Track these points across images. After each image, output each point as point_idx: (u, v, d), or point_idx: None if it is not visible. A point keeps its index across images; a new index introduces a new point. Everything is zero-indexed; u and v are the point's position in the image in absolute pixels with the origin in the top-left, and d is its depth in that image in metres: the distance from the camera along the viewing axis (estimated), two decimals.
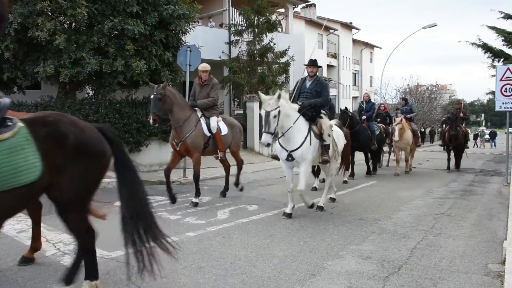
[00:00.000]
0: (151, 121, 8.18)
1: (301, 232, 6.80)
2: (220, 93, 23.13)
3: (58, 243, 5.90)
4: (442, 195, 10.63)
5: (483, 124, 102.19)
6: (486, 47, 25.05)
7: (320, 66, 8.72)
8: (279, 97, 7.17)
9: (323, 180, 11.43)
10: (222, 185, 10.14)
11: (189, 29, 14.81)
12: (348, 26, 48.93)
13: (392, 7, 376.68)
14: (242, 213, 8.13)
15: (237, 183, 10.22)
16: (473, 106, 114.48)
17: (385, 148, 18.19)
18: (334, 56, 46.18)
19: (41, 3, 11.56)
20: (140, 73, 12.76)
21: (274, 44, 23.08)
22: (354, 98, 50.03)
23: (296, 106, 7.77)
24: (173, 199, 8.58)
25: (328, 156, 8.01)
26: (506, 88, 13.22)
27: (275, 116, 7.09)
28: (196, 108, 8.97)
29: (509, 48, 25.07)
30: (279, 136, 7.49)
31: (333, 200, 9.45)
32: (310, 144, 7.62)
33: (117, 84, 13.49)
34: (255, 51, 22.98)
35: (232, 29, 23.85)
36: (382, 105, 18.38)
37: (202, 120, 8.88)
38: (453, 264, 5.38)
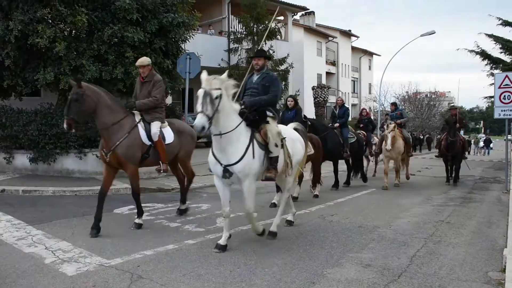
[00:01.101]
0: (65, 125, 6.66)
1: (300, 239, 6.78)
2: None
3: (57, 250, 5.89)
4: (442, 203, 10.62)
5: (482, 131, 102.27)
6: (484, 55, 25.16)
7: (270, 57, 7.46)
8: (221, 79, 5.73)
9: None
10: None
11: (188, 37, 14.86)
12: (347, 34, 49.09)
13: (391, 15, 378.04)
14: (241, 220, 8.07)
15: (183, 200, 8.67)
16: (472, 113, 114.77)
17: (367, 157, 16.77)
18: (333, 63, 46.32)
19: (41, 10, 11.60)
20: None
21: (274, 52, 23.13)
22: (353, 105, 50.10)
23: (237, 107, 6.07)
24: (96, 227, 6.81)
25: (274, 173, 6.28)
26: (505, 96, 13.25)
27: (216, 98, 5.49)
28: (136, 111, 7.47)
29: (507, 55, 25.17)
30: (215, 133, 5.79)
31: (290, 223, 7.73)
32: (254, 156, 5.95)
33: (117, 92, 13.48)
34: None
35: (232, 36, 23.92)
36: (364, 110, 17.46)
37: (141, 126, 7.33)
38: (453, 272, 5.37)
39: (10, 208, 8.42)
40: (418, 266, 5.56)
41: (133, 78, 12.56)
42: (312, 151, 9.88)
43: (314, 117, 27.73)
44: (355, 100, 51.80)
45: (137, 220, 7.37)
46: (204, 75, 5.73)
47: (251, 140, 6.05)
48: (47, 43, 11.60)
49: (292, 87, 26.33)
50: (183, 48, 15.00)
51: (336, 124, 12.89)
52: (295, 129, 7.64)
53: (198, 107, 5.46)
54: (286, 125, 9.03)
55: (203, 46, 19.50)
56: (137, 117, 7.42)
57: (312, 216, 8.69)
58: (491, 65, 25.41)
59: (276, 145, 6.27)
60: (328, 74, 44.58)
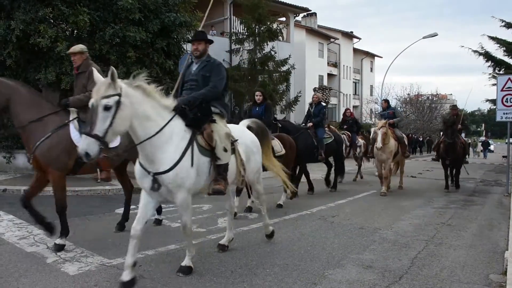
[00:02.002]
0: None
1: (301, 241, 6.78)
2: None
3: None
4: (443, 205, 10.61)
5: (483, 134, 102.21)
6: (487, 56, 25.17)
7: (211, 41, 5.85)
8: (113, 78, 4.23)
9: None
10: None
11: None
12: (349, 35, 49.11)
13: (393, 17, 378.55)
14: (243, 221, 8.12)
15: (124, 220, 7.15)
16: (473, 116, 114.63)
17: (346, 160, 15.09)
18: (335, 65, 46.33)
19: (43, 10, 11.62)
20: None
21: (275, 53, 23.15)
22: (355, 107, 50.12)
23: (169, 103, 4.89)
24: (49, 229, 6.13)
25: (224, 184, 5.16)
26: (507, 98, 13.25)
27: (107, 109, 4.15)
28: (72, 109, 6.16)
29: (510, 58, 25.17)
30: (136, 143, 4.63)
31: (270, 236, 6.72)
32: (192, 164, 4.79)
33: None
34: (256, 60, 23.05)
35: (233, 37, 23.94)
36: (348, 111, 16.59)
37: (73, 125, 6.01)
38: (454, 274, 5.36)
39: (12, 208, 8.43)
40: (419, 268, 5.56)
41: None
42: (283, 151, 9.26)
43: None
44: (357, 102, 51.80)
45: (57, 241, 5.95)
46: (96, 76, 4.57)
47: (189, 144, 4.84)
48: (49, 43, 11.63)
49: (294, 89, 26.35)
50: (185, 48, 15.02)
51: (309, 124, 11.79)
52: (249, 127, 6.36)
53: (86, 126, 4.46)
54: None
55: None
56: (72, 115, 6.11)
57: (313, 217, 8.68)
58: (494, 66, 25.41)
59: (226, 150, 5.15)
60: (330, 75, 44.59)
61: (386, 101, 14.47)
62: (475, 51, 25.45)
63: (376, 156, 12.68)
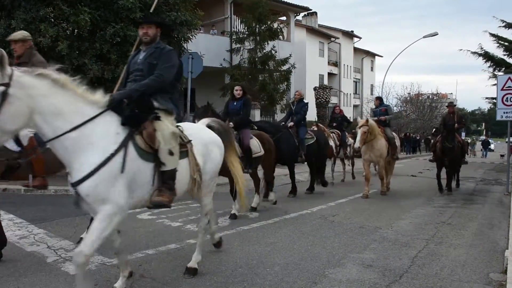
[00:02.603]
0: None
1: (302, 240, 6.78)
2: (221, 100, 23.36)
3: (59, 249, 5.90)
4: (443, 204, 10.61)
5: (484, 133, 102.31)
6: (487, 56, 25.15)
7: (165, 25, 5.37)
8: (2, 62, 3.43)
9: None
10: (223, 193, 10.00)
11: (191, 36, 14.87)
12: (349, 35, 49.09)
13: (394, 16, 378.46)
14: (243, 220, 8.12)
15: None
16: (474, 115, 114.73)
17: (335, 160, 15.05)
18: (335, 64, 46.32)
19: (44, 9, 11.63)
20: None
21: (276, 52, 23.15)
22: (355, 106, 50.12)
23: (98, 98, 4.06)
24: None
25: (168, 196, 4.26)
26: (507, 98, 13.25)
27: None
28: None
29: (510, 57, 25.15)
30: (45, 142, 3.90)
31: (217, 246, 6.04)
32: (123, 170, 3.86)
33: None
34: (256, 59, 23.05)
35: (234, 36, 23.94)
36: (337, 108, 15.88)
37: None
38: (454, 273, 5.37)
39: (12, 207, 8.43)
40: (420, 267, 5.56)
41: None
42: (262, 152, 8.77)
43: (316, 119, 27.77)
44: (357, 101, 51.81)
45: None
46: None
47: (122, 146, 3.93)
48: (50, 42, 11.63)
49: (294, 88, 26.29)
50: (186, 47, 15.02)
51: (290, 123, 11.05)
52: (210, 126, 5.48)
53: None
54: (231, 119, 8.41)
55: (205, 46, 19.54)
56: None
57: (314, 216, 8.69)
58: (494, 67, 25.40)
59: (172, 153, 4.26)
60: (330, 74, 44.59)
61: (378, 98, 13.81)
62: (474, 53, 25.44)
63: (363, 155, 11.87)
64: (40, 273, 4.97)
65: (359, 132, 11.18)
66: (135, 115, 4.17)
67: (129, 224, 7.42)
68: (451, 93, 75.15)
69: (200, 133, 5.09)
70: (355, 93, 52.62)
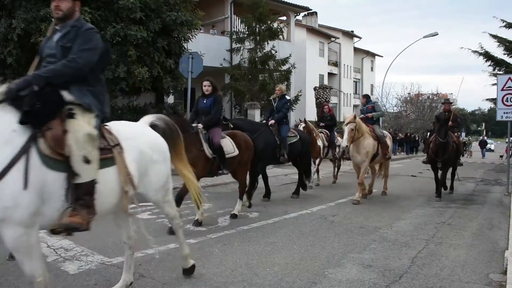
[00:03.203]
0: None
1: (302, 240, 6.78)
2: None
3: (59, 249, 5.89)
4: (443, 204, 10.61)
5: (484, 133, 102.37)
6: (487, 56, 25.15)
7: None
8: None
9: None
10: (223, 192, 9.99)
11: (191, 36, 14.88)
12: (350, 35, 49.10)
13: (394, 16, 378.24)
14: (243, 220, 8.12)
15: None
16: (474, 115, 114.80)
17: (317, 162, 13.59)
18: (335, 64, 46.31)
19: (44, 9, 11.63)
20: (142, 80, 12.83)
21: (276, 52, 23.14)
22: (355, 106, 50.11)
23: None
24: None
25: (82, 216, 3.35)
26: (507, 98, 13.24)
27: None
28: None
29: (510, 57, 25.17)
30: None
31: (187, 272, 4.98)
32: (26, 185, 3.06)
33: (119, 91, 13.53)
34: (256, 59, 23.04)
35: (234, 36, 23.94)
36: (326, 106, 14.91)
37: None
38: (454, 273, 5.37)
39: None
40: (419, 267, 5.57)
41: (136, 77, 12.60)
42: (236, 152, 7.98)
43: (315, 119, 27.72)
44: (357, 101, 51.76)
45: None
46: None
47: (22, 152, 3.10)
48: None
49: (294, 88, 26.35)
50: (186, 47, 15.03)
51: (271, 121, 10.34)
52: (153, 125, 4.52)
53: None
54: (201, 118, 7.81)
55: (206, 45, 19.54)
56: None
57: (314, 216, 8.69)
58: (494, 66, 25.42)
59: (88, 161, 3.34)
60: (330, 74, 44.59)
61: (365, 96, 12.73)
62: (474, 51, 25.45)
63: (351, 158, 11.12)
64: None
65: (346, 130, 10.25)
66: (36, 111, 3.21)
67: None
68: (451, 93, 75.22)
69: (137, 134, 4.18)
70: (355, 93, 52.60)
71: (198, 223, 7.59)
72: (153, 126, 4.52)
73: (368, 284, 4.87)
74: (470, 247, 6.69)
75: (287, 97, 10.91)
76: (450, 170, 12.47)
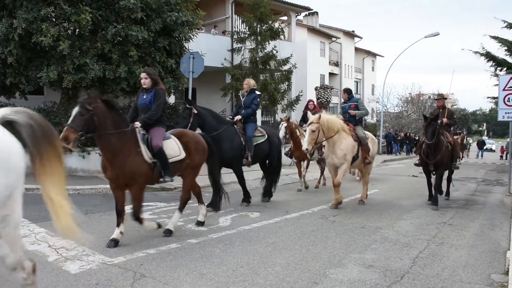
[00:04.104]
0: None
1: (303, 240, 6.78)
2: (222, 100, 23.37)
3: (60, 248, 5.89)
4: (444, 204, 10.58)
5: (485, 133, 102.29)
6: (489, 56, 25.13)
7: None
8: None
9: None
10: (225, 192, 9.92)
11: (192, 36, 14.87)
12: (351, 35, 49.06)
13: (395, 16, 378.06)
14: (244, 220, 8.12)
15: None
16: (475, 116, 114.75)
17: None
18: (336, 64, 46.27)
19: (45, 9, 11.64)
20: None
21: (277, 52, 23.14)
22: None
23: None
24: None
25: None
26: (509, 98, 13.21)
27: None
28: None
29: (511, 57, 25.15)
30: None
31: None
32: None
33: (120, 91, 13.54)
34: (257, 59, 23.02)
35: (235, 36, 23.93)
36: (311, 102, 13.40)
37: None
38: (455, 274, 5.36)
39: None
40: (421, 267, 5.56)
41: (137, 77, 12.60)
42: (182, 155, 6.80)
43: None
44: None
45: None
46: None
47: None
48: (51, 41, 11.64)
49: (295, 87, 26.32)
50: (187, 47, 15.02)
51: (237, 117, 9.46)
52: (9, 122, 3.11)
53: None
54: (139, 116, 6.70)
55: (207, 45, 19.53)
56: None
57: (315, 216, 8.68)
58: (496, 67, 25.40)
59: None
60: (331, 74, 44.56)
61: (347, 91, 10.97)
62: (476, 52, 25.43)
63: (326, 159, 10.03)
64: (41, 272, 4.95)
65: (307, 132, 9.27)
66: None
67: (129, 223, 7.42)
68: (452, 93, 75.21)
69: None
70: (356, 93, 52.55)
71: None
72: (6, 123, 3.09)
73: (369, 284, 4.87)
74: (472, 247, 6.68)
75: (257, 92, 9.88)
76: (446, 173, 11.30)
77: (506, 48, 24.65)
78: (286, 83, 24.22)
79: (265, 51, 23.16)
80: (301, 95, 25.41)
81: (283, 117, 15.03)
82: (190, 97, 13.88)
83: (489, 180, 17.76)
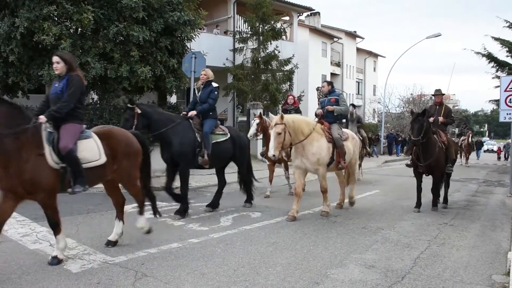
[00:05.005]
0: None
1: (304, 240, 6.78)
2: (224, 100, 23.34)
3: None
4: (448, 203, 10.56)
5: (487, 134, 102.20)
6: (490, 57, 25.13)
7: None
8: None
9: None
10: (225, 192, 9.93)
11: (194, 36, 14.88)
12: (352, 35, 49.08)
13: (396, 16, 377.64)
14: (245, 220, 8.12)
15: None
16: (477, 116, 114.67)
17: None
18: (338, 64, 46.27)
19: (47, 8, 11.65)
20: (145, 79, 12.84)
21: (279, 52, 23.16)
22: (358, 106, 50.04)
23: None
24: None
25: None
26: (510, 99, 13.19)
27: None
28: None
29: None
30: None
31: None
32: None
33: (122, 90, 13.55)
34: (259, 59, 23.06)
35: (237, 36, 23.96)
36: (291, 97, 12.25)
37: None
38: (456, 274, 5.36)
39: None
40: (422, 268, 5.56)
41: (139, 76, 12.63)
42: (102, 160, 5.53)
43: (315, 118, 27.52)
44: (360, 102, 51.75)
45: None
46: None
47: None
48: (53, 40, 11.66)
49: (297, 88, 26.36)
50: (189, 47, 15.03)
51: (191, 113, 8.42)
52: None
53: None
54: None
55: (209, 45, 19.54)
56: None
57: (316, 216, 8.68)
58: (497, 68, 25.39)
59: None
60: (333, 75, 44.55)
61: (330, 83, 9.84)
62: (477, 53, 25.43)
63: (293, 163, 8.81)
64: (43, 271, 4.97)
65: (272, 135, 8.00)
66: None
67: (130, 223, 7.43)
68: (454, 94, 75.17)
69: None
70: (358, 93, 52.54)
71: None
72: None
73: (370, 285, 4.87)
74: (473, 248, 6.68)
75: (214, 85, 8.69)
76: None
77: (507, 49, 24.64)
78: (288, 83, 24.25)
79: (267, 51, 23.20)
80: (303, 96, 25.44)
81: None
82: (191, 97, 13.87)
83: (490, 181, 17.74)
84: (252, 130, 10.55)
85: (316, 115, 9.46)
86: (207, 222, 7.81)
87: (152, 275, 4.93)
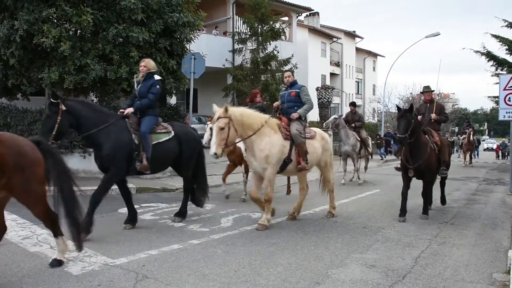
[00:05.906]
0: None
1: (305, 240, 6.78)
2: (223, 100, 23.34)
3: None
4: (446, 204, 10.57)
5: (486, 133, 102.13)
6: (490, 55, 25.10)
7: None
8: None
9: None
10: (223, 193, 9.92)
11: (193, 37, 14.88)
12: (352, 35, 49.12)
13: (396, 16, 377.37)
14: (246, 220, 8.11)
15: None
16: (476, 115, 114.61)
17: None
18: (337, 64, 46.31)
19: (46, 10, 11.66)
20: None
21: (278, 52, 23.19)
22: (357, 106, 50.05)
23: None
24: None
25: None
26: (510, 98, 13.19)
27: None
28: None
29: None
30: None
31: None
32: None
33: (121, 91, 13.55)
34: (258, 59, 23.09)
35: (236, 37, 23.98)
36: (256, 92, 11.31)
37: None
38: (457, 273, 5.36)
39: (15, 207, 8.41)
40: (423, 267, 5.56)
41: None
42: None
43: (318, 119, 27.51)
44: (359, 102, 51.78)
45: None
46: None
47: None
48: (53, 42, 11.66)
49: None
50: (188, 48, 15.03)
51: (128, 110, 7.21)
52: None
53: None
54: None
55: (208, 46, 19.57)
56: None
57: (316, 216, 8.69)
58: (497, 66, 25.38)
59: None
60: (332, 75, 44.62)
61: (290, 72, 9.04)
62: (477, 52, 25.42)
63: (248, 163, 8.25)
64: (43, 273, 4.97)
65: (214, 130, 7.10)
66: None
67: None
68: (453, 93, 75.14)
69: None
70: (357, 93, 52.59)
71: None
72: None
73: (371, 284, 4.87)
74: (473, 246, 6.68)
75: (156, 77, 7.47)
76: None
77: (506, 47, 24.60)
78: None
79: (266, 51, 23.24)
80: None
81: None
82: (191, 98, 13.87)
83: (490, 179, 17.73)
84: (206, 136, 9.53)
85: (274, 108, 8.45)
86: (207, 223, 7.81)
87: (153, 277, 4.93)
